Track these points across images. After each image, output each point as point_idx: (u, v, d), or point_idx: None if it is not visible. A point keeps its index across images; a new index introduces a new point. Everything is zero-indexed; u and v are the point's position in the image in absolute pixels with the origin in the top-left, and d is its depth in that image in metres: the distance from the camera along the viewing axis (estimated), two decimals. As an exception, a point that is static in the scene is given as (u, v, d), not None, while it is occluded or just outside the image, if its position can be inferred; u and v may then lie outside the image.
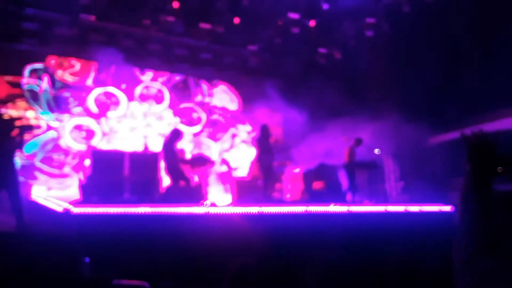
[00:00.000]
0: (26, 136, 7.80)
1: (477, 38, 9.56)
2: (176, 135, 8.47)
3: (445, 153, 9.77)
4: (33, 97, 10.34)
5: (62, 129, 10.50)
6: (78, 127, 10.73)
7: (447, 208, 7.76)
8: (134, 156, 8.24)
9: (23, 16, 10.33)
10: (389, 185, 9.30)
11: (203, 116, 12.45)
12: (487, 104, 9.77)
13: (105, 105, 11.15)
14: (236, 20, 11.46)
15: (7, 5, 10.00)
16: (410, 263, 5.98)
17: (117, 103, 11.31)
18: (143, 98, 11.75)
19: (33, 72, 10.46)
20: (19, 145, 6.22)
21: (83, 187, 7.33)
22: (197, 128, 12.27)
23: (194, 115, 12.42)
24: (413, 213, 7.50)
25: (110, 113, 11.15)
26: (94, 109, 10.96)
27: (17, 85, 10.25)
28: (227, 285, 3.39)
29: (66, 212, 5.44)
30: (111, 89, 11.26)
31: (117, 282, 3.59)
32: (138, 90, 11.70)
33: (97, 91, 11.10)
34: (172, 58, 12.22)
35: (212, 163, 9.65)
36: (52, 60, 10.71)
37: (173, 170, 8.05)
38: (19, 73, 10.30)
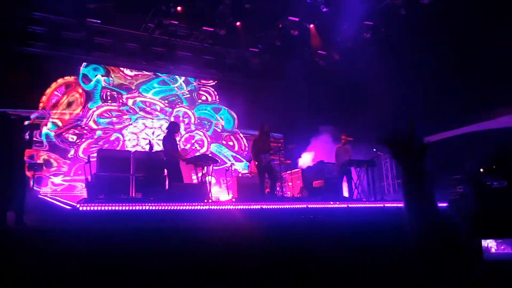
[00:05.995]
0: (34, 135, 8.00)
1: (482, 34, 9.59)
2: (174, 127, 8.48)
3: (443, 151, 9.91)
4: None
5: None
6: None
7: (443, 205, 7.90)
8: (139, 155, 8.43)
9: (31, 20, 10.63)
10: (386, 183, 9.45)
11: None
12: (487, 103, 9.84)
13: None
14: (238, 23, 11.69)
15: (16, 9, 10.27)
16: (406, 255, 6.13)
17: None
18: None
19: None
20: (28, 144, 6.37)
21: (90, 186, 7.51)
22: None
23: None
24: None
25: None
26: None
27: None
28: (230, 281, 3.54)
29: (74, 209, 5.59)
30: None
31: None
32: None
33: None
34: (176, 60, 12.52)
35: (215, 161, 9.82)
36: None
37: (170, 166, 8.04)
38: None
